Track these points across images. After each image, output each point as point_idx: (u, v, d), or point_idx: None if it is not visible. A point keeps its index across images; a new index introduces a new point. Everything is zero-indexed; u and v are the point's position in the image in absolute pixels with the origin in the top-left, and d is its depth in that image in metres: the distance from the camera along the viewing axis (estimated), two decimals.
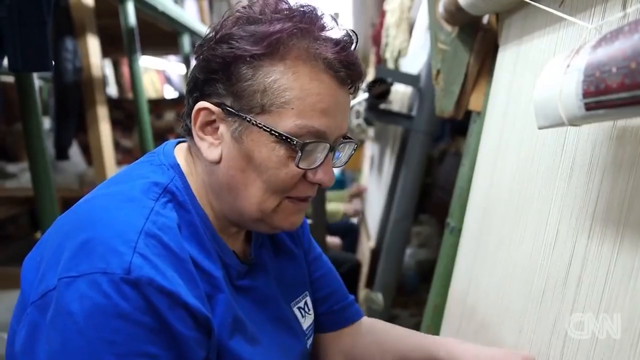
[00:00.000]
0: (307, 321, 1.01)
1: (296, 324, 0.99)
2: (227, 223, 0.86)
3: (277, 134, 0.76)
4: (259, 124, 0.77)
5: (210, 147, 0.81)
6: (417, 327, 1.50)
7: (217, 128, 0.81)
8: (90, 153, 2.85)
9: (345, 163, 0.89)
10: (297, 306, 1.00)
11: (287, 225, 0.84)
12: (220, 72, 0.78)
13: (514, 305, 0.92)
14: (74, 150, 3.51)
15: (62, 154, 3.10)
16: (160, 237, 0.72)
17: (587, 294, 0.69)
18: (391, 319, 2.88)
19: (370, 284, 2.92)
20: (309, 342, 1.01)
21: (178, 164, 0.85)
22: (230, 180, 0.80)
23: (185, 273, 0.73)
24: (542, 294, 0.82)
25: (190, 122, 0.82)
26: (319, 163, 0.80)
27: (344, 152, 0.88)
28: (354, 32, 0.83)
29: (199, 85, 0.81)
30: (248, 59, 0.76)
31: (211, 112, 0.80)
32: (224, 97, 0.79)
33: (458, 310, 1.23)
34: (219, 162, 0.81)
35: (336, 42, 0.79)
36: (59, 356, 0.67)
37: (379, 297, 2.46)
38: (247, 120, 0.77)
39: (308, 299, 1.03)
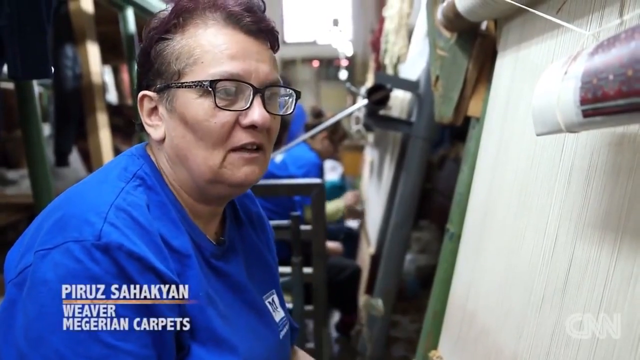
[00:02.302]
0: (277, 315, 1.03)
1: (269, 315, 1.00)
2: (194, 203, 0.90)
3: (193, 85, 0.81)
4: (178, 83, 0.83)
5: (156, 129, 0.87)
6: (417, 333, 1.50)
7: (158, 111, 0.87)
8: (90, 159, 2.85)
9: (292, 112, 0.93)
10: (266, 301, 1.02)
11: (242, 177, 0.85)
12: (145, 63, 0.87)
13: (514, 311, 0.92)
14: (74, 157, 3.51)
15: (62, 160, 3.10)
16: (129, 212, 0.77)
17: (586, 300, 0.69)
18: (391, 325, 2.88)
19: (370, 290, 2.92)
20: (282, 334, 1.03)
21: (147, 155, 0.90)
22: (177, 150, 0.85)
23: (154, 246, 0.76)
24: (541, 300, 0.82)
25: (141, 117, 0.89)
26: (247, 105, 0.83)
27: (288, 104, 0.92)
28: None
29: (138, 84, 0.90)
30: (157, 39, 0.85)
31: (150, 98, 0.87)
32: (154, 81, 0.86)
33: (458, 316, 1.23)
34: (164, 138, 0.86)
35: None
36: (35, 323, 0.70)
37: (379, 303, 2.45)
38: (170, 87, 0.83)
39: (275, 297, 1.06)
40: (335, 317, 3.70)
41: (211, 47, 0.82)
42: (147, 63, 0.86)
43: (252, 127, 0.83)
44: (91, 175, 0.88)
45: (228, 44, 0.83)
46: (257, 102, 0.84)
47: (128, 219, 0.75)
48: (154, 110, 0.87)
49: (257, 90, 0.84)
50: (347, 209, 3.83)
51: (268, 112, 0.85)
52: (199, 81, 0.81)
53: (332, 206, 3.69)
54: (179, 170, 0.87)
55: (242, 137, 0.84)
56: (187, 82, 0.82)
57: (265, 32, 0.87)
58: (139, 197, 0.81)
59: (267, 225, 1.12)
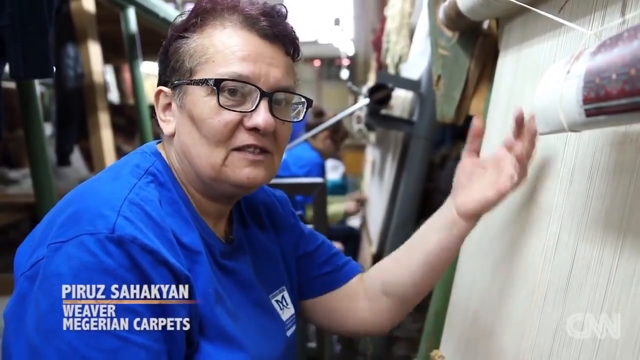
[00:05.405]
0: (285, 313, 1.03)
1: (276, 313, 1.01)
2: (202, 200, 0.91)
3: (200, 83, 0.83)
4: (188, 80, 0.84)
5: (168, 124, 0.89)
6: (419, 333, 1.50)
7: (172, 107, 0.89)
8: (92, 159, 2.86)
9: (302, 120, 0.94)
10: (274, 299, 1.02)
11: (244, 178, 0.85)
12: (164, 60, 0.89)
13: (516, 310, 0.91)
14: (76, 156, 3.52)
15: (63, 160, 3.11)
16: (142, 206, 0.77)
17: (588, 300, 0.69)
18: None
19: None
20: (290, 332, 1.03)
21: (159, 152, 0.91)
22: (183, 146, 0.87)
23: (166, 241, 0.77)
24: (543, 300, 0.82)
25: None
26: (253, 108, 0.84)
27: (300, 111, 0.93)
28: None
29: (158, 80, 0.92)
30: (176, 37, 0.87)
31: (165, 94, 0.89)
32: (170, 77, 0.88)
33: (460, 316, 1.23)
34: (174, 134, 0.88)
35: (251, 2, 0.87)
36: (48, 315, 0.71)
37: None
38: (182, 83, 0.85)
39: (286, 294, 1.06)
40: None
41: (224, 47, 0.84)
42: (166, 60, 0.89)
43: (255, 130, 0.84)
44: (103, 171, 0.89)
45: (241, 45, 0.84)
46: (264, 105, 0.84)
47: (141, 213, 0.76)
48: (168, 106, 0.89)
49: (264, 94, 0.84)
50: (348, 209, 3.84)
51: (275, 117, 0.85)
52: (206, 79, 0.82)
53: (333, 209, 3.70)
54: (186, 166, 0.88)
55: (244, 139, 0.84)
56: (195, 79, 0.83)
57: (281, 38, 0.87)
58: (151, 192, 0.82)
59: (281, 212, 1.11)
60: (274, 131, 0.86)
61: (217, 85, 0.82)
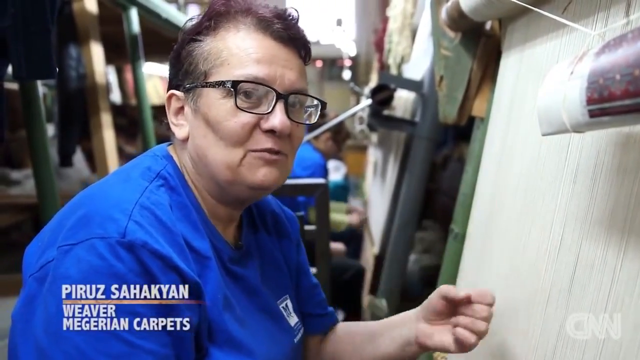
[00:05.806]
0: (292, 320, 1.03)
1: (283, 319, 1.01)
2: (215, 204, 0.90)
3: (216, 85, 0.83)
4: (204, 83, 0.84)
5: (180, 128, 0.88)
6: None
7: (184, 111, 0.88)
8: (94, 160, 2.86)
9: (314, 122, 0.94)
10: (280, 306, 1.02)
11: (259, 179, 0.85)
12: (176, 64, 0.89)
13: (519, 311, 0.91)
14: (78, 157, 3.52)
15: (65, 160, 3.10)
16: (153, 210, 0.77)
17: (592, 300, 0.69)
18: None
19: (374, 290, 2.91)
20: (297, 338, 1.03)
21: (170, 155, 0.91)
22: (198, 149, 0.86)
23: (176, 246, 0.77)
24: (547, 300, 0.82)
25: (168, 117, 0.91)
26: (269, 110, 0.83)
27: (313, 113, 0.93)
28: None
29: (169, 84, 0.91)
30: (189, 40, 0.87)
31: (177, 97, 0.88)
32: (183, 81, 0.87)
33: None
34: (187, 138, 0.87)
35: (265, 5, 0.87)
36: (56, 319, 0.70)
37: (383, 303, 2.45)
38: (196, 86, 0.85)
39: (289, 302, 1.06)
40: (340, 317, 3.69)
41: (238, 50, 0.84)
42: (178, 64, 0.88)
43: (271, 132, 0.83)
44: (112, 173, 0.89)
45: (255, 48, 0.84)
46: (280, 107, 0.84)
47: (152, 218, 0.76)
48: (180, 110, 0.89)
49: (280, 96, 0.84)
50: (352, 221, 3.85)
51: (290, 119, 0.85)
52: (222, 81, 0.82)
53: (338, 217, 3.70)
54: (201, 170, 0.87)
55: (261, 141, 0.84)
56: (210, 82, 0.83)
57: (294, 41, 0.88)
58: (162, 196, 0.81)
59: (287, 227, 1.11)
60: (289, 133, 0.85)
61: (235, 87, 0.82)
